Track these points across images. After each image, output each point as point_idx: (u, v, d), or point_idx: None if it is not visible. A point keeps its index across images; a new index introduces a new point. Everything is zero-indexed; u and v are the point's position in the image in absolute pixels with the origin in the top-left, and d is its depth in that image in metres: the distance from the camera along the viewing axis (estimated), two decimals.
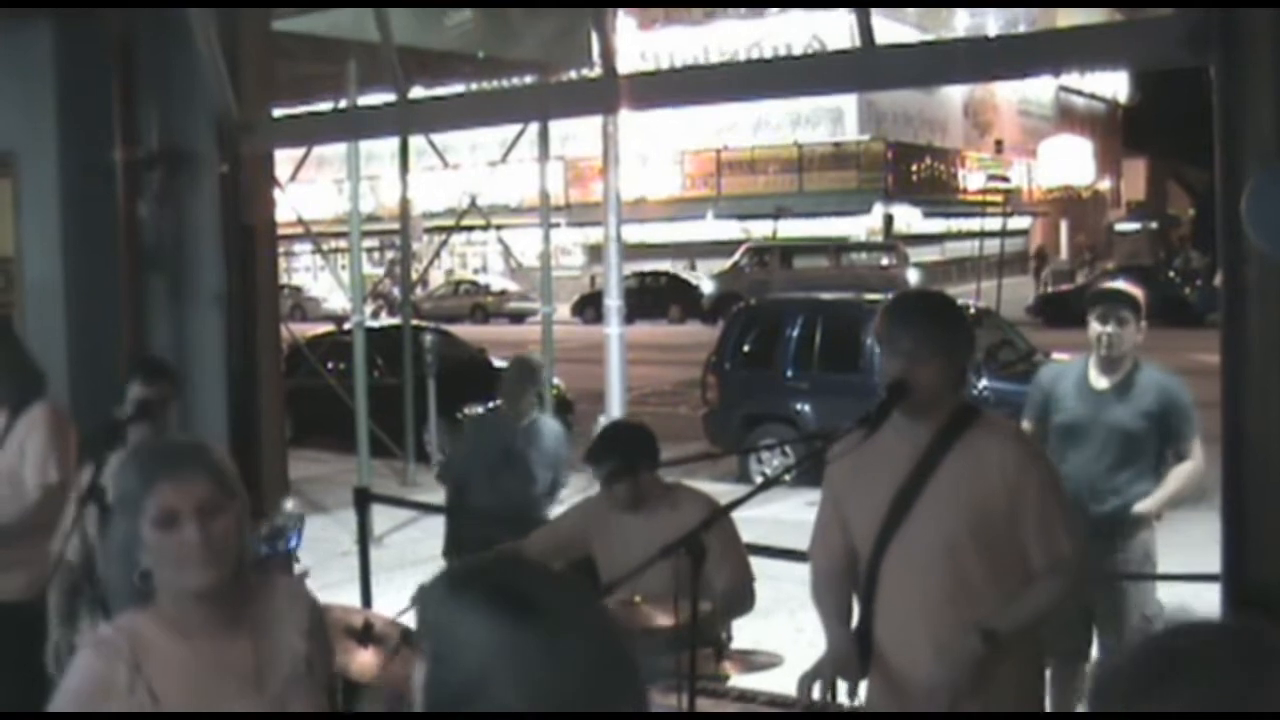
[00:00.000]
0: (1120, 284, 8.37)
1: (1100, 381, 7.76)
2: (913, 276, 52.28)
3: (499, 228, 27.95)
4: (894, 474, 5.01)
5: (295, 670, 3.74)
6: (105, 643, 3.61)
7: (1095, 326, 7.74)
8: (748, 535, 6.96)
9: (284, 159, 15.70)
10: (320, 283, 60.01)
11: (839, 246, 56.18)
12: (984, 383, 16.97)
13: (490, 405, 10.63)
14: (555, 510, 9.17)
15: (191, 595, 3.61)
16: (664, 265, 58.85)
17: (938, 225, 65.79)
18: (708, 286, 54.96)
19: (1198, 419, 7.62)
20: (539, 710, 2.08)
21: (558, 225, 33.86)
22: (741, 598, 6.57)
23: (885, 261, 54.20)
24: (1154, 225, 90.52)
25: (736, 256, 55.97)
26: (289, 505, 6.48)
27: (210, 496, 3.59)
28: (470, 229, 41.11)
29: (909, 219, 62.30)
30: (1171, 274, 51.90)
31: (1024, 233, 73.15)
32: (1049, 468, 5.32)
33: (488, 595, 2.17)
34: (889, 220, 59.90)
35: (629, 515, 6.71)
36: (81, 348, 8.79)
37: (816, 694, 4.91)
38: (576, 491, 11.04)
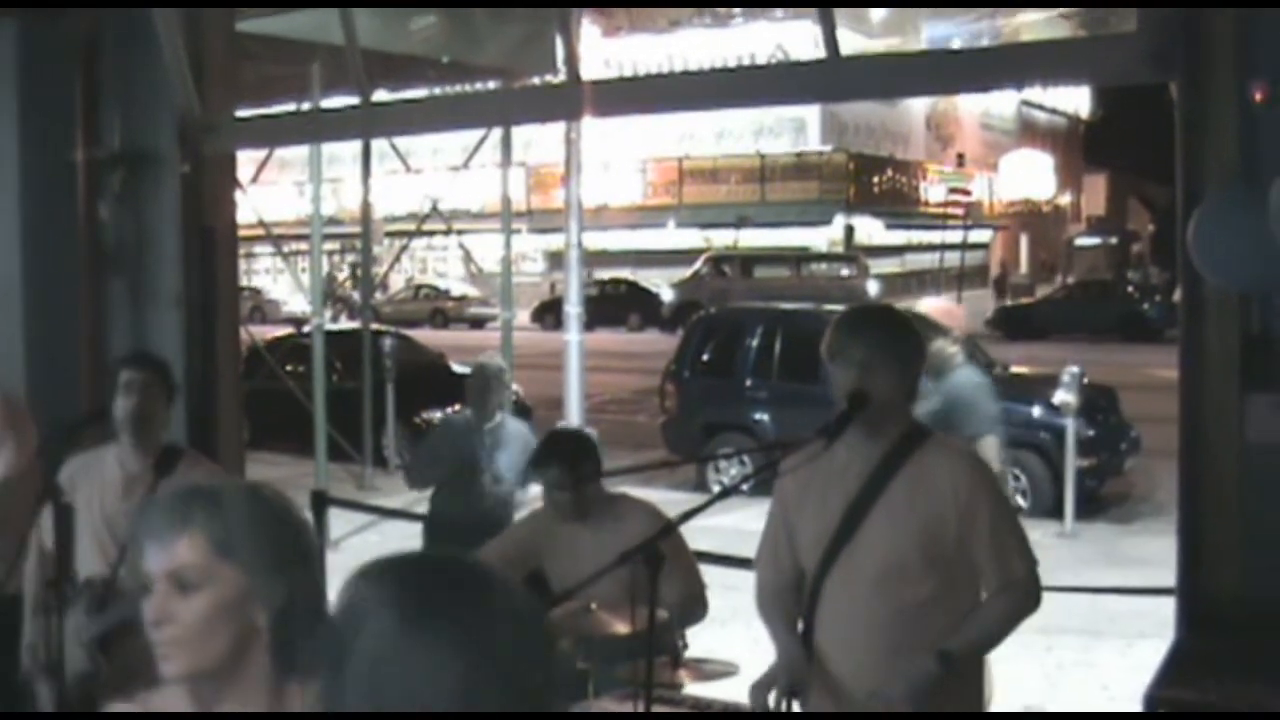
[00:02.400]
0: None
1: None
2: (873, 288, 52.48)
3: (460, 233, 27.92)
4: (845, 490, 5.01)
5: None
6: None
7: None
8: (705, 544, 6.98)
9: (246, 160, 15.66)
10: (280, 285, 59.86)
11: (800, 257, 56.33)
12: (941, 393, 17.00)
13: (454, 409, 10.62)
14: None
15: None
16: (625, 273, 58.98)
17: (899, 237, 65.95)
18: (667, 295, 55.06)
19: (995, 419, 7.82)
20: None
21: (519, 231, 33.86)
22: (694, 606, 6.58)
23: (845, 272, 54.33)
24: (1114, 240, 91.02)
25: (697, 265, 56.08)
26: None
27: (191, 564, 2.83)
28: (431, 234, 41.05)
29: (870, 230, 62.44)
30: (1130, 289, 52.23)
31: (984, 246, 73.44)
32: (999, 489, 5.35)
33: (394, 591, 2.13)
34: (850, 231, 60.01)
35: (575, 526, 6.71)
36: (40, 347, 8.75)
37: (771, 703, 4.91)
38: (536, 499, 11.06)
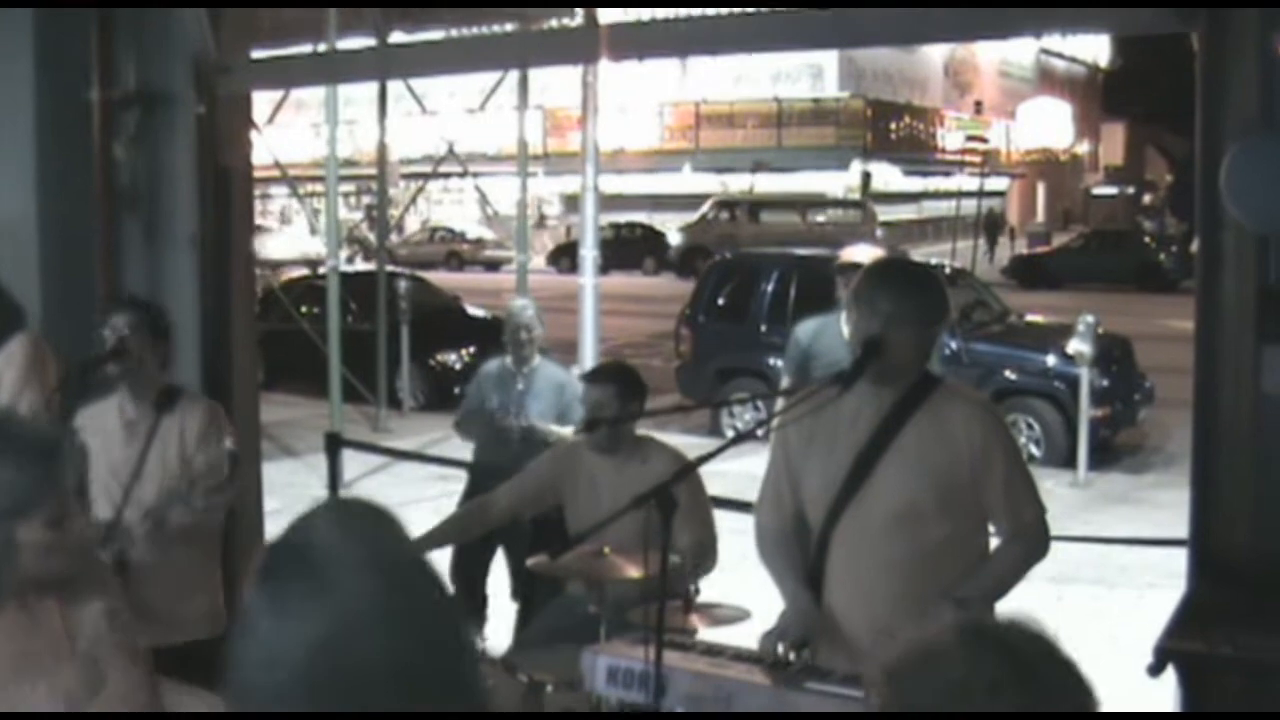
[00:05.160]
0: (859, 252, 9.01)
1: None
2: (879, 235, 52.41)
3: (476, 175, 27.86)
4: (854, 438, 5.02)
5: (99, 628, 3.61)
6: None
7: (842, 291, 8.51)
8: (718, 489, 7.00)
9: (262, 101, 15.64)
10: (296, 226, 59.79)
11: (807, 203, 56.24)
12: (956, 343, 17.00)
13: (469, 353, 10.54)
14: None
15: None
16: (640, 217, 58.88)
17: (915, 184, 65.83)
18: (674, 238, 55.15)
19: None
20: None
21: (535, 174, 33.78)
22: (705, 555, 6.61)
23: (852, 219, 54.19)
24: (1131, 190, 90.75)
25: (703, 209, 56.01)
26: (229, 443, 6.50)
27: None
28: (447, 176, 41.01)
29: (887, 177, 62.30)
30: (1146, 239, 52.06)
31: (1001, 194, 73.22)
32: (1011, 436, 5.36)
33: (257, 574, 2.08)
34: (866, 177, 59.87)
35: (598, 464, 6.79)
36: (54, 288, 8.73)
37: (781, 651, 4.92)
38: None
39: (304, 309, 21.51)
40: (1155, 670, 4.94)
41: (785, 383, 9.29)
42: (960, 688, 2.02)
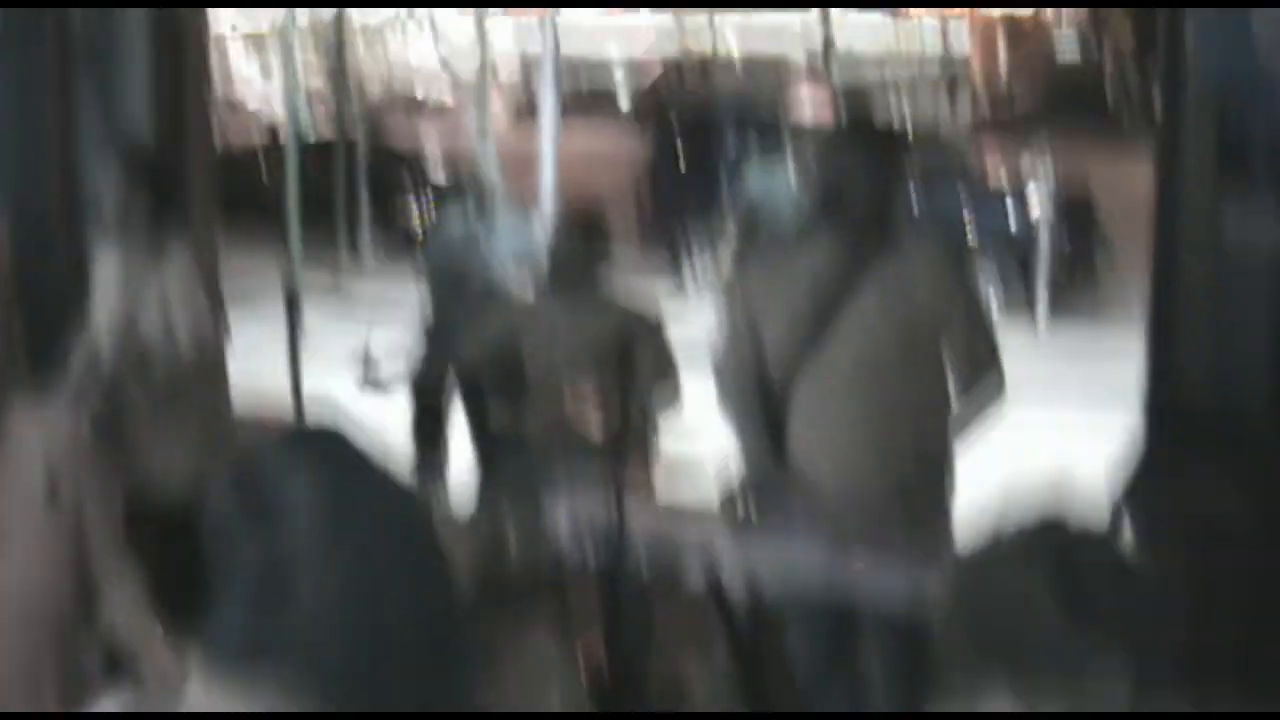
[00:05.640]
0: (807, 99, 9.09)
1: None
2: (838, 91, 52.06)
3: (434, 28, 27.63)
4: (816, 289, 5.02)
5: (30, 504, 3.25)
6: None
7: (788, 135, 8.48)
8: (681, 343, 7.00)
9: None
10: (255, 90, 59.25)
11: (758, 60, 55.88)
12: (917, 198, 16.97)
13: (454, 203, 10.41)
14: None
15: None
16: (599, 73, 58.44)
17: (878, 42, 65.44)
18: (630, 94, 54.96)
19: None
20: None
21: (494, 30, 33.49)
22: (669, 392, 6.60)
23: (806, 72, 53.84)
24: (1093, 46, 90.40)
25: (655, 64, 55.57)
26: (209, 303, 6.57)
27: None
28: (406, 36, 40.70)
29: (849, 37, 61.90)
30: (1109, 95, 51.97)
31: (964, 54, 72.87)
32: (972, 286, 5.39)
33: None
34: (828, 42, 59.48)
35: (560, 310, 6.74)
36: (7, 145, 8.66)
37: (739, 506, 4.95)
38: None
39: (265, 168, 21.35)
40: (1111, 531, 4.99)
41: (733, 230, 9.20)
42: (1022, 600, 2.03)
